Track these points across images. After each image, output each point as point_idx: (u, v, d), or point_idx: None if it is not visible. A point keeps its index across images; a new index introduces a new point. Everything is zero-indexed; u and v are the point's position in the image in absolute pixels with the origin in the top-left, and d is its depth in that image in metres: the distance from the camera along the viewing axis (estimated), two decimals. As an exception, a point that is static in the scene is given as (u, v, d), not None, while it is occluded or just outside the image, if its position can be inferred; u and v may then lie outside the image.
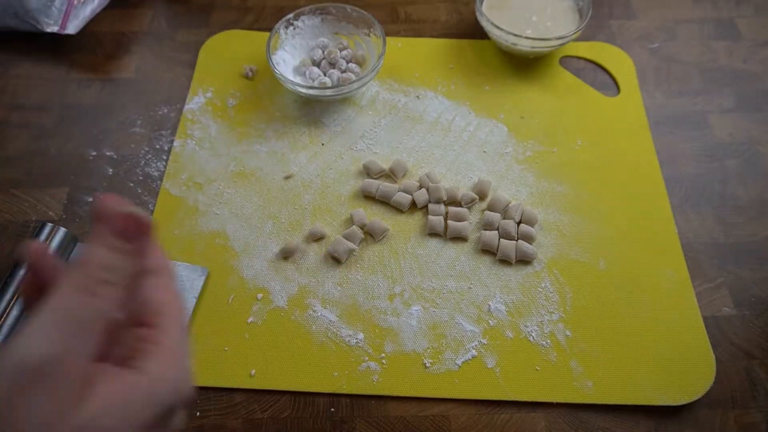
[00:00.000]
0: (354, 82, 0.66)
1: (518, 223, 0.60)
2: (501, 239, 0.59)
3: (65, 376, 0.25)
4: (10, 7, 0.72)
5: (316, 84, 0.68)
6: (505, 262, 0.59)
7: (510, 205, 0.61)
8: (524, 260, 0.59)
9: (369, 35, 0.72)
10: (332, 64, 0.71)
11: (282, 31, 0.71)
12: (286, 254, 0.59)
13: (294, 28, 0.72)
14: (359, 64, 0.72)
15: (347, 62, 0.71)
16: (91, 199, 0.64)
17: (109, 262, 0.27)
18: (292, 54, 0.72)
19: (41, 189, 0.64)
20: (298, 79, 0.70)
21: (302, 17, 0.72)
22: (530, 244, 0.59)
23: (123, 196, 0.63)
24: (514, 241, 0.59)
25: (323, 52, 0.71)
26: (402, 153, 0.66)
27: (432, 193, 0.62)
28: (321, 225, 0.61)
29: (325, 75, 0.70)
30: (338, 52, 0.71)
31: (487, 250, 0.59)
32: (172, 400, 0.28)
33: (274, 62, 0.68)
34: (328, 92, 0.66)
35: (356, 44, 0.73)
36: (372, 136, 0.68)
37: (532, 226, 0.60)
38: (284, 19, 0.71)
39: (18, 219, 0.62)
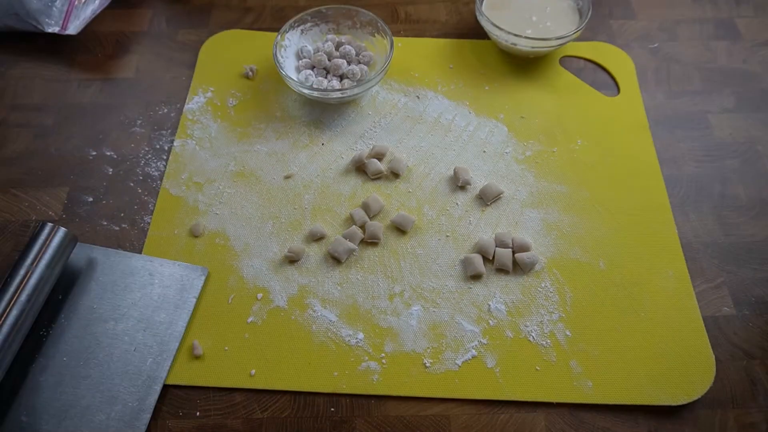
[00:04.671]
0: (366, 82, 0.66)
1: (513, 251, 0.59)
2: (497, 248, 0.59)
3: None
4: (11, 7, 0.72)
5: (324, 86, 0.68)
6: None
7: (498, 233, 0.60)
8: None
9: (374, 35, 0.72)
10: (336, 69, 0.70)
11: (286, 35, 0.71)
12: (293, 258, 0.59)
13: (298, 32, 0.72)
14: (367, 65, 0.71)
15: (356, 63, 0.71)
16: (91, 199, 0.64)
17: None
18: (296, 57, 0.72)
19: (41, 189, 0.65)
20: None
21: (306, 22, 0.72)
22: (527, 260, 0.58)
23: (123, 195, 0.64)
24: (510, 249, 0.58)
25: (328, 58, 0.71)
26: (402, 153, 0.66)
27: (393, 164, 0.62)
28: (321, 225, 0.61)
29: (328, 75, 0.70)
30: (347, 52, 0.71)
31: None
32: None
33: (280, 65, 0.68)
34: (336, 95, 0.66)
35: (362, 47, 0.73)
36: (372, 136, 0.68)
37: (528, 250, 0.59)
38: (288, 24, 0.71)
39: (18, 219, 0.62)
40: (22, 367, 0.52)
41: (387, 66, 0.67)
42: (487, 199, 0.62)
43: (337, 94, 0.66)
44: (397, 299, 0.57)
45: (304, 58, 0.72)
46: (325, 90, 0.66)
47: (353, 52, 0.71)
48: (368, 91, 0.69)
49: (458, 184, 0.63)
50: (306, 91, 0.66)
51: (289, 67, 0.70)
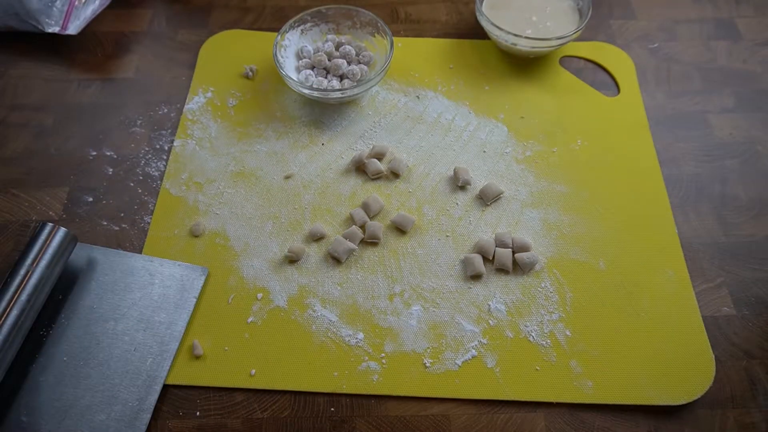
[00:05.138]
0: (366, 82, 0.66)
1: (513, 251, 0.59)
2: (497, 248, 0.59)
3: None
4: (11, 7, 0.72)
5: (324, 86, 0.68)
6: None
7: (498, 233, 0.60)
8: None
9: (374, 35, 0.72)
10: (336, 69, 0.70)
11: (286, 35, 0.71)
12: (293, 258, 0.59)
13: (298, 32, 0.72)
14: (367, 65, 0.71)
15: (356, 63, 0.71)
16: (91, 199, 0.64)
17: None
18: (296, 57, 0.72)
19: (41, 189, 0.65)
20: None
21: (306, 22, 0.72)
22: (527, 260, 0.58)
23: (123, 195, 0.63)
24: (510, 249, 0.58)
25: (328, 58, 0.71)
26: (402, 153, 0.66)
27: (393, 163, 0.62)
28: (321, 225, 0.61)
29: (328, 75, 0.70)
30: (347, 52, 0.71)
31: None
32: None
33: (280, 65, 0.68)
34: (336, 95, 0.66)
35: (362, 47, 0.73)
36: (372, 136, 0.68)
37: (528, 250, 0.59)
38: (288, 24, 0.71)
39: (18, 219, 0.62)
40: (22, 367, 0.52)
41: (387, 66, 0.67)
42: (487, 199, 0.62)
43: (337, 94, 0.66)
44: (397, 299, 0.57)
45: (304, 58, 0.72)
46: (325, 90, 0.66)
47: (353, 52, 0.71)
48: (368, 91, 0.69)
49: (458, 184, 0.63)
50: (306, 91, 0.66)
51: (289, 67, 0.70)
